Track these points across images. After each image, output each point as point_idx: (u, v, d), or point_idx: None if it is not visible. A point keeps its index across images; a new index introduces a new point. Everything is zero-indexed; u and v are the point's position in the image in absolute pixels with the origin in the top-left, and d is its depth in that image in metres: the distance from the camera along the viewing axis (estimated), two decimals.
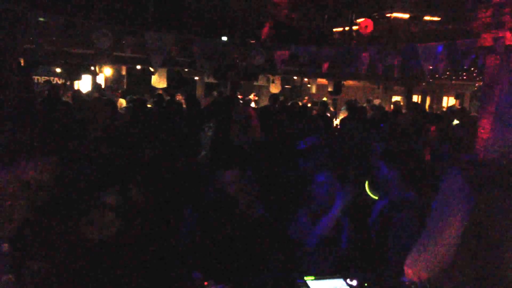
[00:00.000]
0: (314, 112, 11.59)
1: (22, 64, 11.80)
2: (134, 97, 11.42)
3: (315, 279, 2.46)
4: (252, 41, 13.64)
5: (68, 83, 15.33)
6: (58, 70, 15.63)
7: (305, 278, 2.45)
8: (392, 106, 15.06)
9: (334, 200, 2.99)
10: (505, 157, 1.41)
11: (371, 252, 2.93)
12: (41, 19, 9.12)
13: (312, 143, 3.56)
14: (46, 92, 10.60)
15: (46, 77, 15.28)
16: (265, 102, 16.35)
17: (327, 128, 7.85)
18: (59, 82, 15.53)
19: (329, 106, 14.57)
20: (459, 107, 16.81)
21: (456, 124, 8.80)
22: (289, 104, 11.09)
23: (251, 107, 12.67)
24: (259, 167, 3.88)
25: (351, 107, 9.09)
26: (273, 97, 11.00)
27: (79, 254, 2.43)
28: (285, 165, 4.15)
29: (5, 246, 2.18)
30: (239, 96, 14.83)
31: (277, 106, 10.33)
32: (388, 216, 2.93)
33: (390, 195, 3.02)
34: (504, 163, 1.40)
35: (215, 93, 14.64)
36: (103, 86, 15.21)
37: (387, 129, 6.91)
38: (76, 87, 14.79)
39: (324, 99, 16.38)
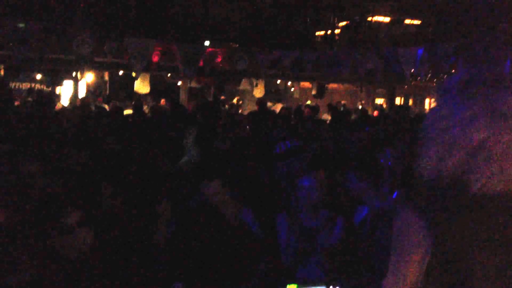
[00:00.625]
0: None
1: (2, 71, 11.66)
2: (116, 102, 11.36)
3: (298, 287, 2.46)
4: (235, 45, 13.67)
5: (49, 88, 15.16)
6: (39, 76, 15.44)
7: (288, 286, 2.44)
8: (375, 110, 15.16)
9: (317, 206, 2.99)
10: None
11: (355, 259, 2.92)
12: (21, 25, 9.03)
13: (288, 148, 3.53)
14: (30, 99, 10.49)
15: (27, 84, 15.10)
16: (249, 106, 16.34)
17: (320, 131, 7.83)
18: (45, 88, 15.36)
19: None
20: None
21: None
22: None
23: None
24: (239, 172, 3.87)
25: (334, 110, 9.15)
26: (260, 102, 10.98)
27: (56, 270, 2.37)
28: (261, 169, 4.14)
29: None
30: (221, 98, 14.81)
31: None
32: (371, 227, 2.92)
33: (367, 205, 3.00)
34: (453, 176, 1.20)
35: (200, 97, 14.61)
36: (84, 92, 15.07)
37: (371, 133, 6.91)
38: (57, 93, 14.64)
39: (308, 102, 16.44)
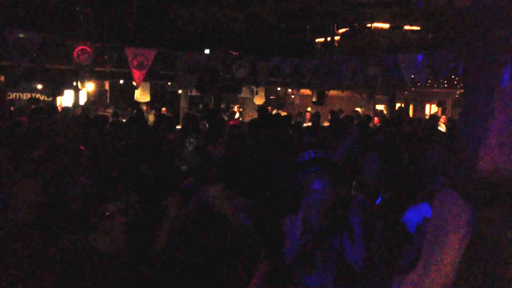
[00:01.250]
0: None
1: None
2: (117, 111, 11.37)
3: None
4: (234, 53, 13.69)
5: (50, 98, 15.19)
6: (39, 86, 15.48)
7: None
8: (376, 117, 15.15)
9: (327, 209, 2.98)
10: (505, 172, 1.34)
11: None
12: (21, 35, 9.06)
13: (312, 157, 3.53)
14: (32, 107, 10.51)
15: (28, 94, 15.15)
16: (249, 113, 16.35)
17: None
18: (41, 98, 15.39)
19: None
20: (441, 114, 17.03)
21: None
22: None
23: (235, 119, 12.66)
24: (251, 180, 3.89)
25: (335, 117, 9.14)
26: (262, 109, 10.95)
27: (86, 266, 2.47)
28: (282, 177, 4.14)
29: None
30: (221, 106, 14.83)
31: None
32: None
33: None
34: (507, 178, 1.30)
35: (200, 106, 14.63)
36: (85, 101, 15.10)
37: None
38: (58, 103, 14.66)
39: (308, 109, 16.45)
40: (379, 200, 3.80)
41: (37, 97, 15.24)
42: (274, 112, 12.15)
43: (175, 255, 2.90)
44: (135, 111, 11.29)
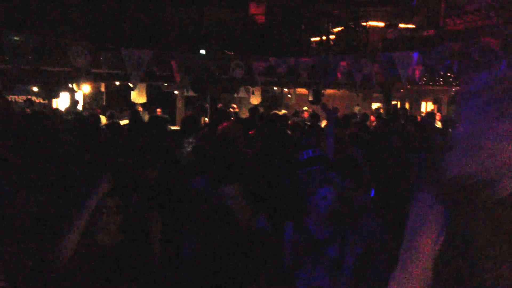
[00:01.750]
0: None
1: None
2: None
3: None
4: (230, 53, 13.70)
5: (46, 101, 15.15)
6: (35, 89, 15.44)
7: None
8: (372, 115, 15.19)
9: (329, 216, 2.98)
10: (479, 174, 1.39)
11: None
12: (16, 38, 9.04)
13: (311, 156, 3.55)
14: (28, 110, 10.50)
15: (24, 96, 15.10)
16: (246, 113, 16.36)
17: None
18: (37, 100, 15.35)
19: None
20: (437, 111, 17.08)
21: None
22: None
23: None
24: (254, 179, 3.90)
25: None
26: (253, 109, 11.01)
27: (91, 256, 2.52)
28: (282, 176, 4.16)
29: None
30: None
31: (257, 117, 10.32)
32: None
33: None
34: (481, 180, 1.37)
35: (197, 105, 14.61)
36: (81, 103, 15.07)
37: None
38: (54, 105, 14.63)
39: (305, 108, 16.47)
40: (372, 193, 3.83)
41: (32, 99, 15.20)
42: (273, 112, 12.16)
43: (188, 256, 2.90)
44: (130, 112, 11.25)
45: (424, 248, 1.40)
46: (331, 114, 4.52)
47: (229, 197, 2.92)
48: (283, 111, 13.42)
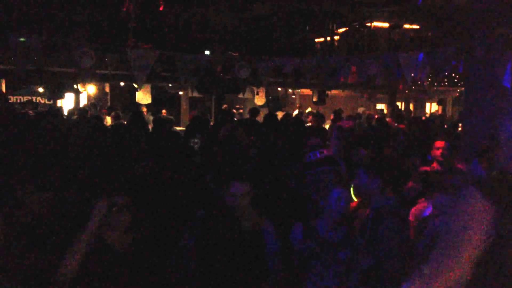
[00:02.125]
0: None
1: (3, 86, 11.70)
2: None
3: None
4: (235, 54, 13.69)
5: (50, 101, 15.19)
6: (40, 89, 15.48)
7: None
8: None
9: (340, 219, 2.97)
10: None
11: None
12: (22, 39, 9.06)
13: (318, 158, 3.55)
14: (30, 112, 10.51)
15: (29, 97, 15.13)
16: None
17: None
18: (42, 101, 15.39)
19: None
20: (441, 112, 17.04)
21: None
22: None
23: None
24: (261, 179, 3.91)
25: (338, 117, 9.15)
26: (254, 110, 11.00)
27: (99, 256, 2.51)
28: (289, 176, 4.16)
29: None
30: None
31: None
32: (373, 224, 2.95)
33: (372, 202, 3.05)
34: None
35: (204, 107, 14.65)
36: (86, 104, 15.09)
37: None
38: (59, 105, 14.66)
39: (309, 109, 16.46)
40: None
41: (37, 100, 15.24)
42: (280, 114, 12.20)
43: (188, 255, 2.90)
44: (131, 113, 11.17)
45: (468, 249, 1.37)
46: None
47: (240, 195, 2.90)
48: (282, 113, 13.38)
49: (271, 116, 9.34)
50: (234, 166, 3.85)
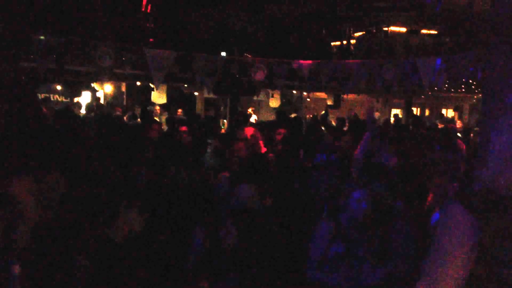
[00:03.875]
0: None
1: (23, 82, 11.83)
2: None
3: None
4: (251, 56, 13.75)
5: (67, 99, 15.37)
6: (58, 87, 15.68)
7: None
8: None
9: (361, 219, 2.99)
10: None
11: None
12: (42, 37, 9.22)
13: (326, 160, 3.57)
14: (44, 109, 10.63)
15: (46, 94, 15.32)
16: (264, 116, 16.38)
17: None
18: (59, 99, 15.57)
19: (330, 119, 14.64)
20: (457, 119, 16.88)
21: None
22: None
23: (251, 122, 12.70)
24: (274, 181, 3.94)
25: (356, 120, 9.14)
26: (280, 113, 10.92)
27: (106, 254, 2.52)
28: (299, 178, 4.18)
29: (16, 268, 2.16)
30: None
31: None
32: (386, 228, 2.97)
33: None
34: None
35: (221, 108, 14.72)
36: (102, 102, 15.25)
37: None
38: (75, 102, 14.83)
39: (323, 112, 16.43)
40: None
41: (55, 98, 15.42)
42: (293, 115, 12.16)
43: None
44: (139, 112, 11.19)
45: (456, 263, 1.37)
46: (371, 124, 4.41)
47: (246, 197, 2.93)
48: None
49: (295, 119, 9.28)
50: (241, 168, 3.88)
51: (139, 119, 10.82)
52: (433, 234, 3.00)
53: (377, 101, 16.81)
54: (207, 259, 2.83)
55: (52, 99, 14.75)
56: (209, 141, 6.40)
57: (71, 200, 3.08)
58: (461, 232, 1.38)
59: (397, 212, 3.03)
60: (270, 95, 16.34)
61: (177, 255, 2.94)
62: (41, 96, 15.43)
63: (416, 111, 20.52)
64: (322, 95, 17.38)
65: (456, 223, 1.40)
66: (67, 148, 4.66)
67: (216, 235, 2.84)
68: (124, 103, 17.29)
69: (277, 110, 10.41)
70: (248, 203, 2.96)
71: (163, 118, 13.01)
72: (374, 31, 18.19)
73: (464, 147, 6.81)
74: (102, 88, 15.95)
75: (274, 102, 16.18)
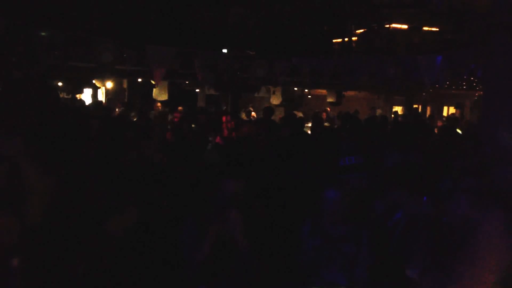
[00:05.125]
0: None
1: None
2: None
3: None
4: (252, 53, 13.75)
5: (69, 96, 15.38)
6: (59, 84, 15.69)
7: None
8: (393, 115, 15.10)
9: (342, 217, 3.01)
10: None
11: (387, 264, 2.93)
12: (43, 33, 9.21)
13: (355, 162, 3.56)
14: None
15: None
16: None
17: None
18: (61, 96, 15.58)
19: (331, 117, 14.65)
20: (458, 116, 16.86)
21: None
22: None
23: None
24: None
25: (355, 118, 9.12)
26: (268, 109, 10.92)
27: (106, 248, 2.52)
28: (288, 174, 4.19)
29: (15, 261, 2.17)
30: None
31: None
32: (405, 231, 2.96)
33: (404, 209, 3.06)
34: None
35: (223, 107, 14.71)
36: (103, 99, 15.26)
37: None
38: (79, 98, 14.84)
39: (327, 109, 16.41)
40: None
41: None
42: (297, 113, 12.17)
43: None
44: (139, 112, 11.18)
45: (490, 267, 1.36)
46: None
47: (231, 192, 2.90)
48: (300, 114, 13.36)
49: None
50: (227, 162, 3.87)
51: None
52: (461, 234, 2.97)
53: (379, 98, 16.80)
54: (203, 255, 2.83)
55: None
56: (209, 138, 6.43)
57: (67, 197, 3.08)
58: (498, 234, 1.37)
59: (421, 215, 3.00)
60: (272, 92, 16.33)
61: (172, 249, 2.94)
62: None
63: (417, 108, 20.51)
64: (322, 92, 17.37)
65: (494, 225, 1.39)
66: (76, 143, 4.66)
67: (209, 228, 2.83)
68: (126, 99, 17.29)
69: (264, 108, 10.25)
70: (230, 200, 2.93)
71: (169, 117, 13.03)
72: (376, 28, 18.17)
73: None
74: (104, 85, 15.96)
75: (276, 99, 16.17)
